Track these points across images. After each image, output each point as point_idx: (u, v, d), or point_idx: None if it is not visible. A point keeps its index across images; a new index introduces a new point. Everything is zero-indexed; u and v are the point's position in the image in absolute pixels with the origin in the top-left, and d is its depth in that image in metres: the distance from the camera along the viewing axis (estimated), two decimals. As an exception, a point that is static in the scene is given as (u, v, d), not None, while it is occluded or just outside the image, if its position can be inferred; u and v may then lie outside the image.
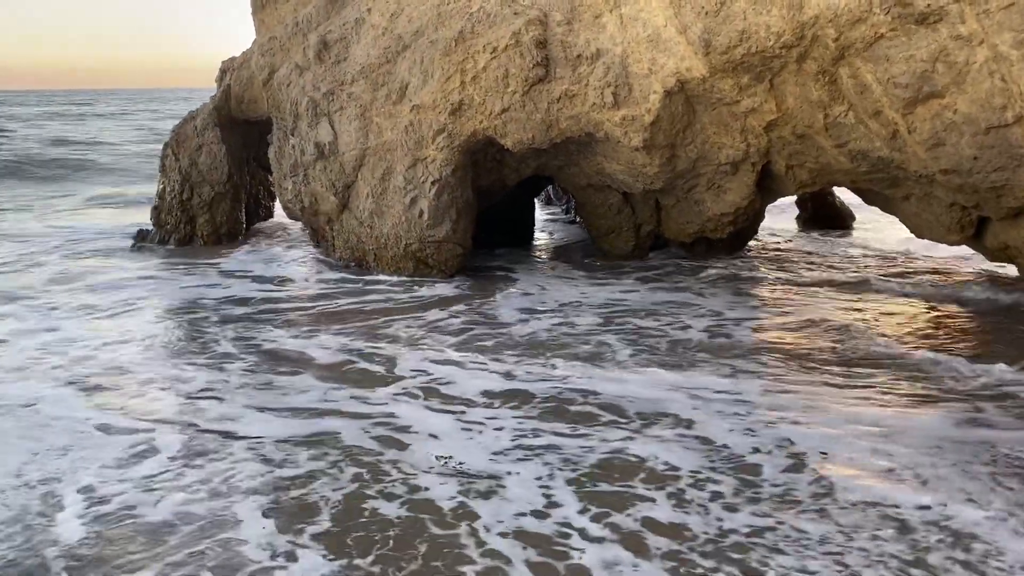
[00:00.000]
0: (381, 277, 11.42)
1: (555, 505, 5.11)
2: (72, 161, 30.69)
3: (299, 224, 14.46)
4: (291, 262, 12.89)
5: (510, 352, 8.26)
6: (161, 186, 14.40)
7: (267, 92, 13.55)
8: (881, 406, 6.60)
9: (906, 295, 10.32)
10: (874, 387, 7.04)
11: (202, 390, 7.26)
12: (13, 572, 4.47)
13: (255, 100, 14.03)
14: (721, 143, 10.55)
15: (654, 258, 12.79)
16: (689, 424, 6.33)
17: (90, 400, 7.04)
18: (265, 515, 5.04)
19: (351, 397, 7.07)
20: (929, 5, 7.44)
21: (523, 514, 5.00)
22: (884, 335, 8.58)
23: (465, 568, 4.45)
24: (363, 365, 7.92)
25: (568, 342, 8.58)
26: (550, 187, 18.28)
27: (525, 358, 8.04)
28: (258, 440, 6.15)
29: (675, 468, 5.57)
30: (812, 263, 12.57)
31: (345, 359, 8.09)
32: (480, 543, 4.69)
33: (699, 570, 4.37)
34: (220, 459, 5.85)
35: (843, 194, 15.47)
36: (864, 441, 5.89)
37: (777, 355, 7.98)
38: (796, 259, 12.90)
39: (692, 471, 5.52)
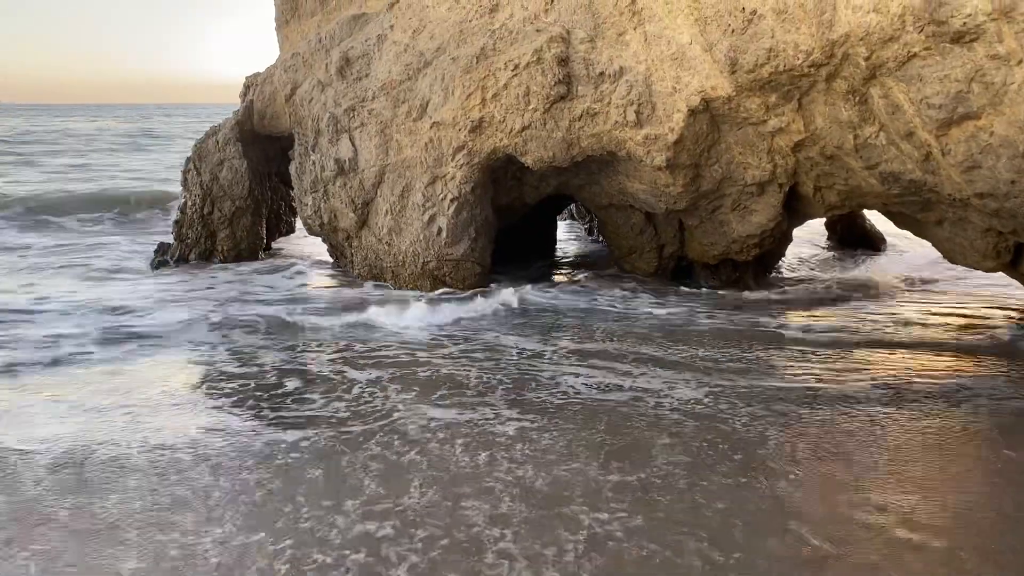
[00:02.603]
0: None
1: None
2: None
3: (320, 240, 14.36)
4: (304, 273, 12.87)
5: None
6: (183, 200, 14.38)
7: (289, 108, 13.50)
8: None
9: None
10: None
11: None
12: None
13: (277, 116, 13.99)
14: (747, 163, 10.29)
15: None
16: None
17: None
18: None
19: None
20: (965, 24, 7.15)
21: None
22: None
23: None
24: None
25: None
26: (572, 206, 18.08)
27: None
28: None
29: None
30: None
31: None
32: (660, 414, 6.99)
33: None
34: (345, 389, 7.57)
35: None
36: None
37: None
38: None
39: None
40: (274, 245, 15.51)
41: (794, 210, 11.15)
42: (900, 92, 8.02)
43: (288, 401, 7.31)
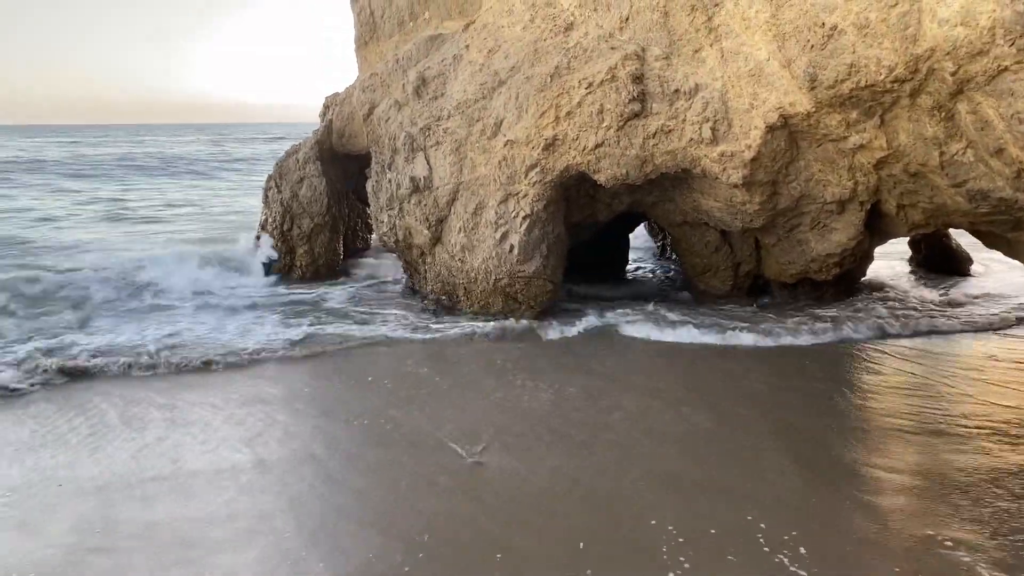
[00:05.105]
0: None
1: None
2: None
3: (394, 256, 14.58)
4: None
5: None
6: (263, 217, 14.82)
7: (367, 127, 13.79)
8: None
9: None
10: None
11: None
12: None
13: (355, 135, 14.31)
14: (827, 181, 10.06)
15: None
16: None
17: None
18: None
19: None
20: (1060, 35, 6.87)
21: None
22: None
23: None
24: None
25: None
26: (645, 223, 17.94)
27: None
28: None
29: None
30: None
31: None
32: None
33: None
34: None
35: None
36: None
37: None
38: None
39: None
40: (350, 261, 15.81)
41: (876, 228, 10.84)
42: (990, 107, 7.73)
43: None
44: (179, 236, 19.59)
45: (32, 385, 8.38)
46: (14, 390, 8.22)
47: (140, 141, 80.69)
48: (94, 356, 9.33)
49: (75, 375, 8.72)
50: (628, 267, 15.43)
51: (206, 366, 9.14)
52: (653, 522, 5.47)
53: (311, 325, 10.97)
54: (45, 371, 8.70)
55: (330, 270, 14.68)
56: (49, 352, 9.45)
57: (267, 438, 7.04)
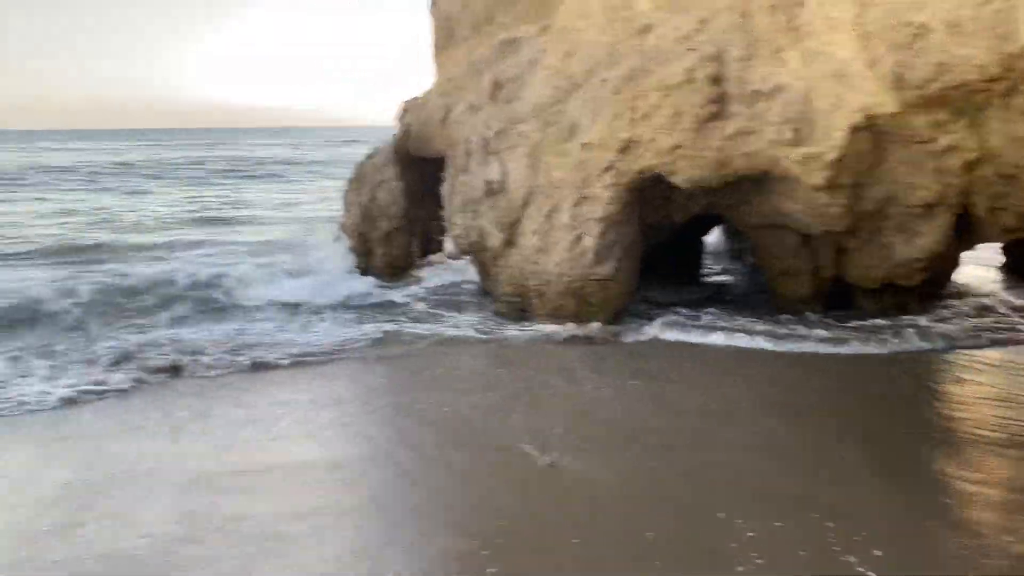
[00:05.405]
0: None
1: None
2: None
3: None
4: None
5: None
6: (342, 219, 15.14)
7: (443, 130, 13.93)
8: None
9: None
10: None
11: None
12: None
13: (432, 138, 14.46)
14: (913, 183, 9.76)
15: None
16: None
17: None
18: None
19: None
20: None
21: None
22: None
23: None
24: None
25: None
26: (722, 225, 17.65)
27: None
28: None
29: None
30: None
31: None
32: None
33: None
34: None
35: None
36: None
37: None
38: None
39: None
40: (425, 262, 15.99)
41: (964, 233, 10.47)
42: (1090, 106, 7.41)
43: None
44: (258, 237, 20.16)
45: (118, 382, 8.72)
46: (101, 385, 8.57)
47: (223, 143, 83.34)
48: (176, 354, 9.67)
49: (159, 372, 9.05)
50: (703, 270, 15.24)
51: (283, 364, 9.38)
52: (721, 515, 5.44)
53: (386, 325, 11.18)
54: (130, 368, 9.06)
55: (406, 271, 14.90)
56: (134, 350, 9.83)
57: (342, 435, 7.21)
